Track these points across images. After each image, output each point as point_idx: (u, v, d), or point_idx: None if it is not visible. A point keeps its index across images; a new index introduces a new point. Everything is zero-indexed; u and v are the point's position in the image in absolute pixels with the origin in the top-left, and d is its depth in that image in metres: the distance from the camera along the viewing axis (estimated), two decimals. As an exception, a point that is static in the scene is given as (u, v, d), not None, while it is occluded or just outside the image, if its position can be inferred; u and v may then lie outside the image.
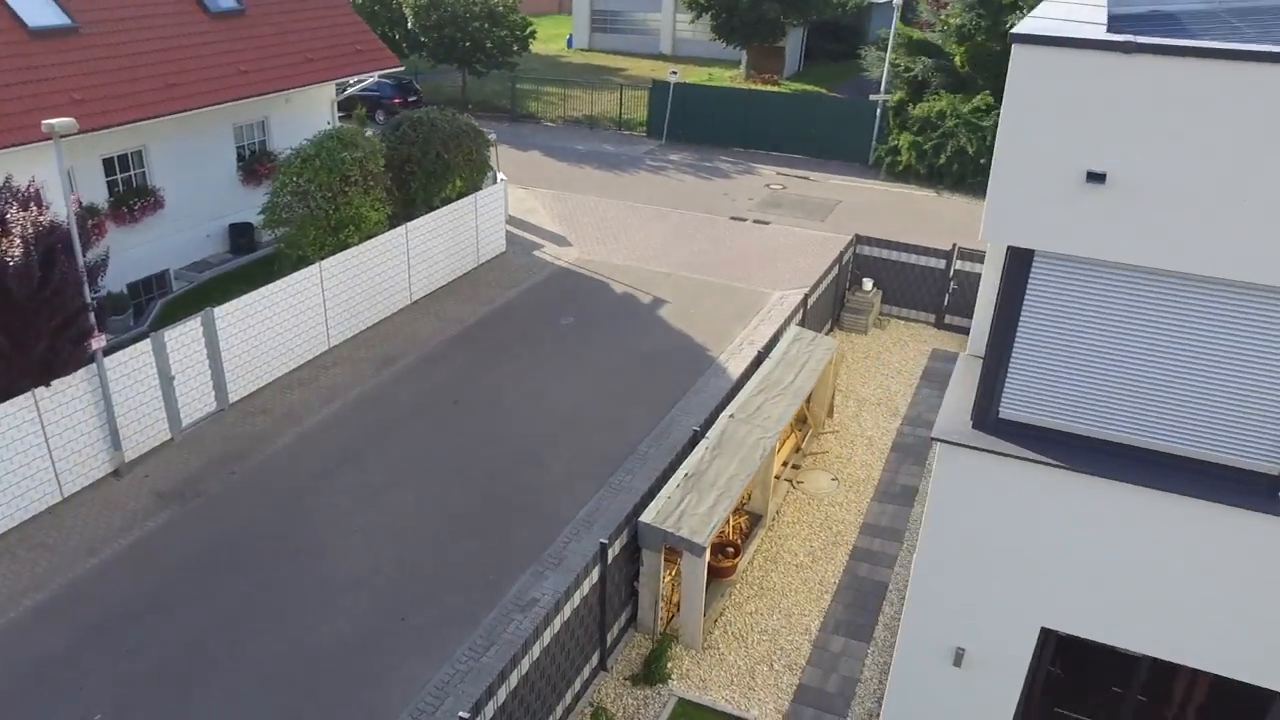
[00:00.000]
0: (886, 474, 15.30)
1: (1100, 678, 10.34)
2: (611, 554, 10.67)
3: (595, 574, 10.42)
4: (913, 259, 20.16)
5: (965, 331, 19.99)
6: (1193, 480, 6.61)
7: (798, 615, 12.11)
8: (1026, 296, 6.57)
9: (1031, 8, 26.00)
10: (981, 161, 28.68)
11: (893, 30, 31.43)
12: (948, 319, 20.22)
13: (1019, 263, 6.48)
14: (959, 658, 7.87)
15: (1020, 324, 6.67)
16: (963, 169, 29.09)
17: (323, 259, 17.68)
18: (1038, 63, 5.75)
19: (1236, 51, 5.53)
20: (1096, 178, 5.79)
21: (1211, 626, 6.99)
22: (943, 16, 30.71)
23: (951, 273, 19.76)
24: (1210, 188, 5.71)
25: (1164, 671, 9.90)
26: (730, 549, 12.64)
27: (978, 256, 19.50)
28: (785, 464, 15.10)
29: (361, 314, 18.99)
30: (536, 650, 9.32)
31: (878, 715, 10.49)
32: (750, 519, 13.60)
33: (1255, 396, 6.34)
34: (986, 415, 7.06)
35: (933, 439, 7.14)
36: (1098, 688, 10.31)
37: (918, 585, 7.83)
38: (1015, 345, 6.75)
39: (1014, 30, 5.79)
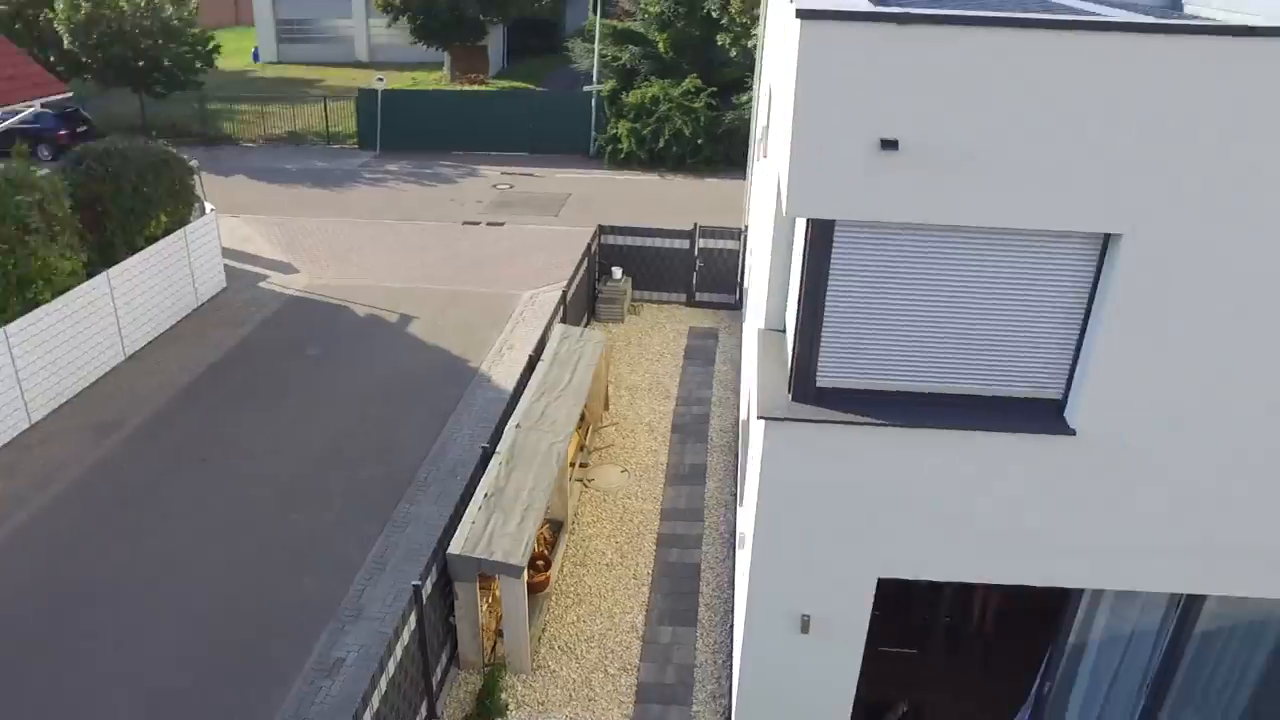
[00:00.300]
0: (673, 457, 15.50)
1: (912, 610, 11.08)
2: (425, 594, 9.92)
3: (413, 620, 9.64)
4: (657, 242, 20.59)
5: (715, 307, 20.79)
6: (994, 415, 7.08)
7: (620, 614, 11.94)
8: (831, 266, 6.70)
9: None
10: (699, 142, 29.96)
11: (597, 21, 31.98)
12: (698, 296, 20.87)
13: (821, 234, 6.60)
14: (805, 625, 8.01)
15: (828, 294, 6.81)
16: (681, 151, 30.22)
17: (7, 323, 15.12)
18: (821, 37, 5.82)
19: (994, 19, 5.89)
20: (890, 145, 5.98)
21: (1023, 542, 7.55)
22: (642, 5, 31.66)
23: (696, 251, 20.38)
24: (986, 145, 6.06)
25: (965, 591, 10.77)
26: (540, 562, 12.22)
27: (719, 234, 20.26)
28: (573, 464, 14.87)
29: (67, 379, 16.49)
30: (367, 718, 8.45)
31: (722, 696, 10.56)
32: (552, 527, 13.24)
33: (1039, 332, 6.88)
34: (806, 387, 7.18)
35: (760, 418, 7.16)
36: (911, 619, 11.04)
37: (758, 563, 7.87)
38: (826, 315, 6.89)
39: (797, 7, 5.82)
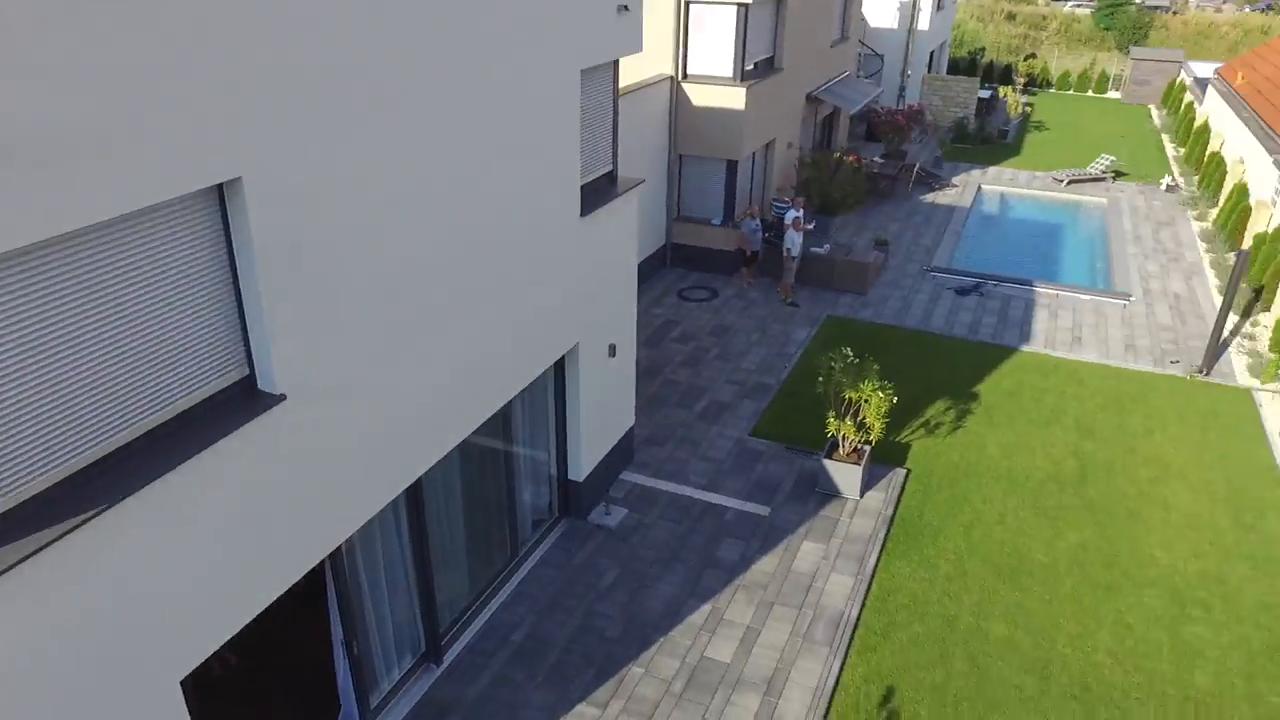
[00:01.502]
0: None
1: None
2: None
3: None
4: None
5: None
6: (188, 436, 5.90)
7: None
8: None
9: None
10: None
11: None
12: None
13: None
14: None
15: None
16: None
17: None
18: None
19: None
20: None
21: (292, 532, 6.83)
22: None
23: None
24: (75, 118, 4.57)
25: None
26: None
27: None
28: None
29: None
30: None
31: None
32: None
33: (197, 318, 5.84)
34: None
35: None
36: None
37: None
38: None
39: None
